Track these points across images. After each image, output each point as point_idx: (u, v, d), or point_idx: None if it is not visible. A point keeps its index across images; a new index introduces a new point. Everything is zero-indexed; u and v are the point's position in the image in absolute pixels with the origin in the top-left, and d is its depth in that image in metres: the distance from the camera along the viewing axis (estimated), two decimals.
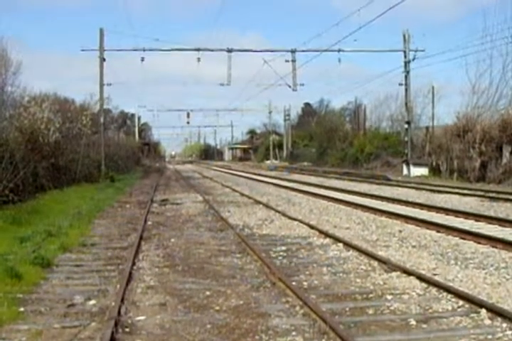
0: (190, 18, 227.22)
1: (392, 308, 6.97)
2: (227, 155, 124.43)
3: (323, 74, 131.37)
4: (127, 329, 6.35)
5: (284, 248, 11.23)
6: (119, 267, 9.54)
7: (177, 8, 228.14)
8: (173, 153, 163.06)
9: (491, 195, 21.66)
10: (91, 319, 6.70)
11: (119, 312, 6.72)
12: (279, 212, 17.10)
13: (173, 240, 12.48)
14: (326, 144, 59.13)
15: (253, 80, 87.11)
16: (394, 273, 8.69)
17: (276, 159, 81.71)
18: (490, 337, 5.91)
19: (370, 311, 6.89)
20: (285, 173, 47.68)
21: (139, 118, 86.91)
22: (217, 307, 7.16)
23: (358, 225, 14.26)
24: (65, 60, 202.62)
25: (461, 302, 7.02)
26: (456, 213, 15.55)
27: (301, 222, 14.59)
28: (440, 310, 6.85)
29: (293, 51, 38.04)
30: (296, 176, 41.45)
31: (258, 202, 20.43)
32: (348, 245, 11.09)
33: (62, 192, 22.14)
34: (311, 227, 13.62)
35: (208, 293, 7.89)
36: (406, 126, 39.25)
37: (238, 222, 15.00)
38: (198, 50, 37.36)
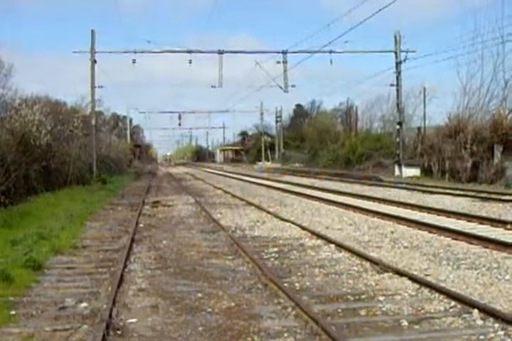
0: (182, 19, 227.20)
1: (384, 309, 6.97)
2: (219, 156, 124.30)
3: (315, 76, 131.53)
4: (119, 332, 6.33)
5: (276, 249, 11.22)
6: (111, 269, 9.51)
7: (168, 10, 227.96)
8: (168, 154, 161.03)
9: (482, 195, 21.74)
10: (82, 321, 6.67)
11: (110, 315, 6.69)
12: (270, 213, 17.09)
13: (164, 242, 12.46)
14: (318, 145, 59.16)
15: (245, 82, 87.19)
16: (386, 274, 8.70)
17: (268, 160, 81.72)
18: (482, 337, 5.92)
19: (362, 312, 6.89)
20: (276, 174, 47.66)
21: (130, 121, 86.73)
22: (209, 309, 7.14)
23: (350, 226, 14.26)
24: (56, 63, 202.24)
25: (453, 303, 7.03)
26: (448, 214, 15.58)
27: (293, 223, 14.59)
28: (432, 310, 6.85)
29: (284, 52, 38.00)
30: (287, 177, 41.44)
31: (250, 204, 20.42)
32: (340, 246, 11.10)
33: (54, 195, 22.03)
34: (303, 228, 13.62)
35: (199, 294, 7.88)
36: (398, 126, 39.29)
37: (230, 224, 14.99)
38: (189, 52, 37.28)
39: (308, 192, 25.27)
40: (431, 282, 8.01)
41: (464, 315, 6.59)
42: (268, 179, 39.16)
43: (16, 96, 24.83)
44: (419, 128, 41.50)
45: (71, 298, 7.70)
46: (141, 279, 8.87)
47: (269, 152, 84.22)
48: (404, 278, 8.34)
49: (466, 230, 12.49)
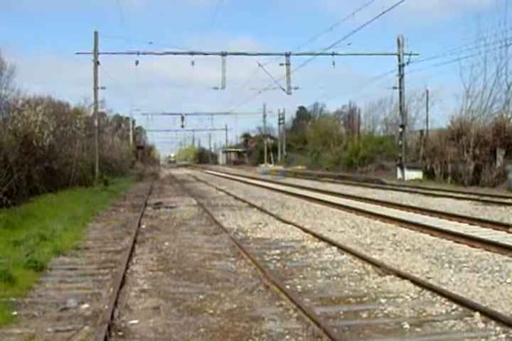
0: (185, 21, 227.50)
1: (386, 312, 6.97)
2: (222, 158, 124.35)
3: (318, 78, 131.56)
4: (120, 333, 6.33)
5: (278, 251, 11.22)
6: (113, 270, 9.52)
7: (171, 12, 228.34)
8: (172, 155, 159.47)
9: (484, 198, 21.72)
10: (84, 323, 6.68)
11: (112, 316, 6.70)
12: (273, 215, 17.09)
13: (167, 243, 12.46)
14: (321, 148, 59.14)
15: (247, 84, 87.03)
16: (388, 277, 8.69)
17: (270, 163, 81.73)
18: (483, 340, 5.92)
19: (364, 315, 6.89)
20: (278, 177, 47.69)
21: (133, 122, 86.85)
22: (211, 311, 7.15)
23: (352, 229, 14.26)
24: (58, 64, 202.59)
25: (454, 306, 7.03)
26: (450, 216, 15.57)
27: (295, 225, 14.59)
28: (434, 313, 6.85)
29: (287, 54, 37.99)
30: (290, 180, 41.44)
31: (252, 206, 20.41)
32: (342, 248, 11.09)
33: (57, 196, 22.05)
34: (305, 231, 13.62)
35: (201, 296, 7.88)
36: (400, 129, 39.25)
37: (232, 226, 14.99)
38: (192, 53, 37.27)
39: (311, 194, 25.25)
40: (432, 285, 8.01)
41: (466, 318, 6.58)
42: (271, 181, 39.15)
43: (18, 97, 24.86)
44: (421, 131, 41.47)
45: (73, 299, 7.70)
46: (143, 280, 8.88)
47: (271, 154, 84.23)
48: (406, 281, 8.34)
49: (468, 233, 12.47)
